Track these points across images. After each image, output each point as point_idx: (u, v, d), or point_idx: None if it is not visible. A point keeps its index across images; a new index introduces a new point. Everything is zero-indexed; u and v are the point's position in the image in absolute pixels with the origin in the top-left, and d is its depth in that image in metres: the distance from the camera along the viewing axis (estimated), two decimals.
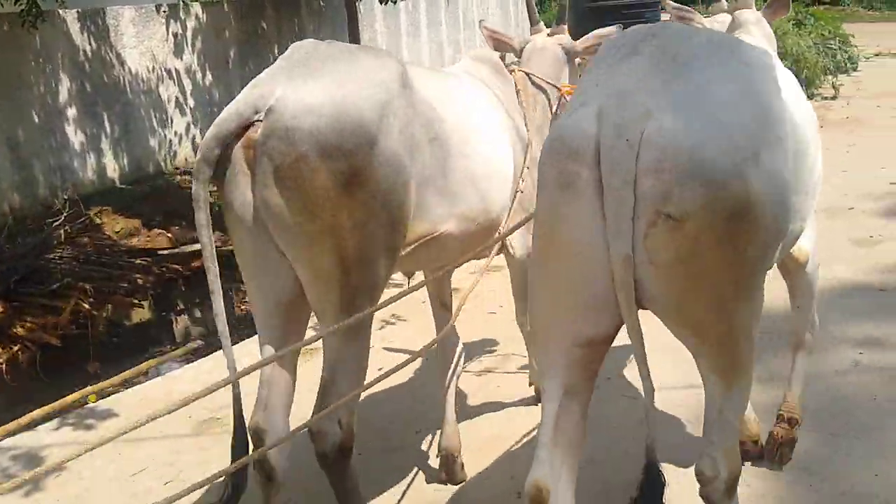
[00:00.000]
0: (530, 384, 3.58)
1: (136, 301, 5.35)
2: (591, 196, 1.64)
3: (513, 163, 2.75)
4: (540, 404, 2.12)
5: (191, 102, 7.97)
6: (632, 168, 1.59)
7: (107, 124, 7.14)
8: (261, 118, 2.08)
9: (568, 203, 1.68)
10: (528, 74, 3.08)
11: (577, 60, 3.30)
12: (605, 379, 3.71)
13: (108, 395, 4.03)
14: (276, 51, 8.67)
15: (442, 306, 3.12)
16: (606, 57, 1.83)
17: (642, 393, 1.80)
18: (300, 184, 2.04)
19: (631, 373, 3.74)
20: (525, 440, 3.28)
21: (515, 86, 3.01)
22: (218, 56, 8.21)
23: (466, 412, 3.50)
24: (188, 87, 7.96)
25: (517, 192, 2.74)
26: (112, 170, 7.22)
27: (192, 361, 4.45)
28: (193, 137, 7.96)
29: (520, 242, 2.96)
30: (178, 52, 7.82)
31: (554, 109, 3.11)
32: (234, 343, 4.31)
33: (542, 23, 3.30)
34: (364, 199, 2.10)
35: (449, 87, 2.62)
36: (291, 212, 2.06)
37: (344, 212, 2.08)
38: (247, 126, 2.09)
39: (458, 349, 3.08)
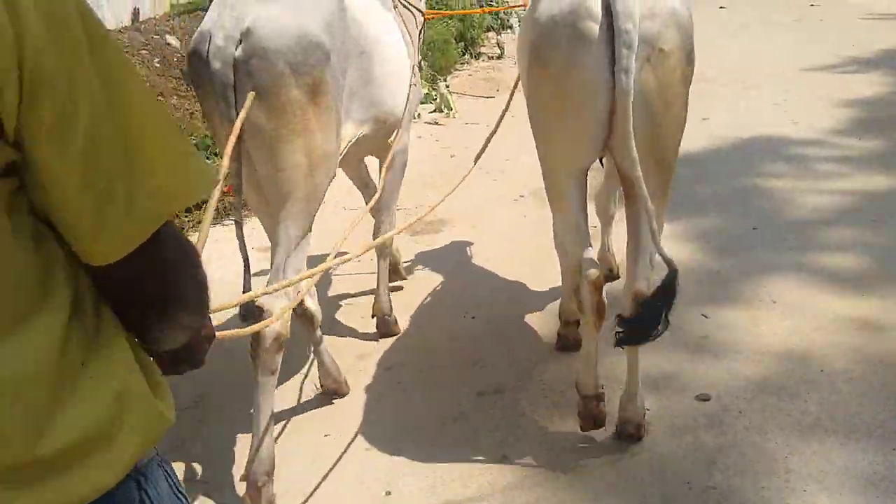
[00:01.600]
0: (373, 316, 3.60)
1: None
2: (601, 44, 2.28)
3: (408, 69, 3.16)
4: None
5: None
6: (637, 14, 2.24)
7: None
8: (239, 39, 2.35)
9: (582, 52, 2.32)
10: None
11: None
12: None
13: None
14: None
15: (364, 186, 3.64)
16: None
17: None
18: (277, 95, 2.36)
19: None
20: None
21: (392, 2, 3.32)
22: None
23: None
24: None
25: (408, 96, 3.12)
26: None
27: None
28: None
29: (398, 145, 3.26)
30: None
31: (419, 31, 3.54)
32: None
33: None
34: (325, 105, 2.44)
35: (365, 3, 2.89)
36: (269, 118, 2.37)
37: (311, 116, 2.41)
38: None
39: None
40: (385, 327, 3.59)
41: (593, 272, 2.53)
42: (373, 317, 3.60)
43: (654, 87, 2.32)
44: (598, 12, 2.29)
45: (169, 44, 11.14)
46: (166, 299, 0.99)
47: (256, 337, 2.42)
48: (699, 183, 4.99)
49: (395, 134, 3.16)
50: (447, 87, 7.26)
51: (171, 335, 1.04)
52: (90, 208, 0.83)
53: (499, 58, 9.62)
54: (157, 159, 0.88)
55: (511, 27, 10.50)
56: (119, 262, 0.88)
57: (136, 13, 15.11)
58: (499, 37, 10.17)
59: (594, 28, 2.29)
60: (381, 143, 3.13)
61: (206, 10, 2.48)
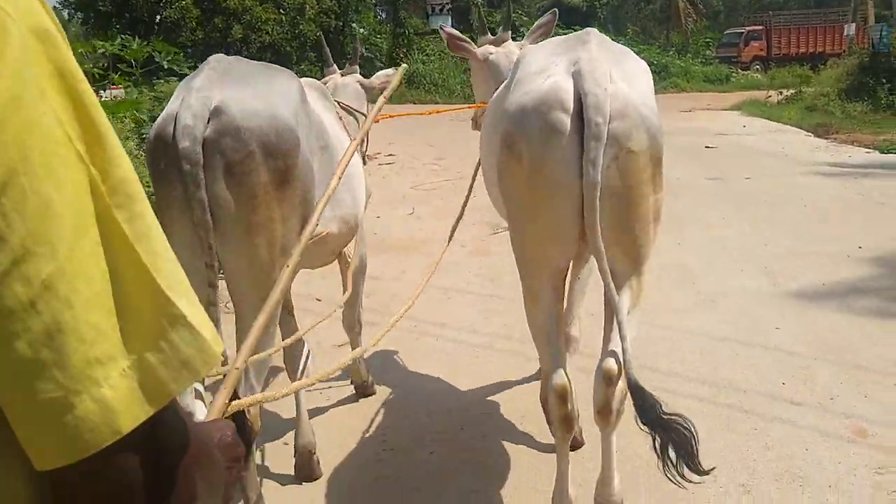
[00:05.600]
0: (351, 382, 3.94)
1: None
2: (572, 136, 2.26)
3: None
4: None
5: None
6: (608, 109, 2.23)
7: None
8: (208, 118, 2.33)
9: (554, 144, 2.29)
10: (338, 102, 3.54)
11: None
12: None
13: None
14: None
15: (288, 313, 3.29)
16: (547, 45, 2.70)
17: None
18: (247, 178, 2.30)
19: None
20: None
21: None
22: None
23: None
24: None
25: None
26: None
27: None
28: None
29: (358, 252, 3.46)
30: None
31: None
32: None
33: (335, 66, 3.99)
34: (291, 195, 2.41)
35: (322, 102, 3.08)
36: (237, 204, 2.30)
37: (277, 205, 2.37)
38: None
39: (305, 352, 3.30)
40: (363, 389, 3.95)
41: (559, 383, 2.51)
42: (351, 383, 3.98)
43: (621, 185, 2.30)
44: (570, 103, 2.29)
45: None
46: None
47: None
48: None
49: (355, 237, 3.27)
50: None
51: None
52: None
53: None
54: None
55: None
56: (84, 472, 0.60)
57: None
58: None
59: (565, 119, 2.29)
60: (344, 244, 3.21)
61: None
